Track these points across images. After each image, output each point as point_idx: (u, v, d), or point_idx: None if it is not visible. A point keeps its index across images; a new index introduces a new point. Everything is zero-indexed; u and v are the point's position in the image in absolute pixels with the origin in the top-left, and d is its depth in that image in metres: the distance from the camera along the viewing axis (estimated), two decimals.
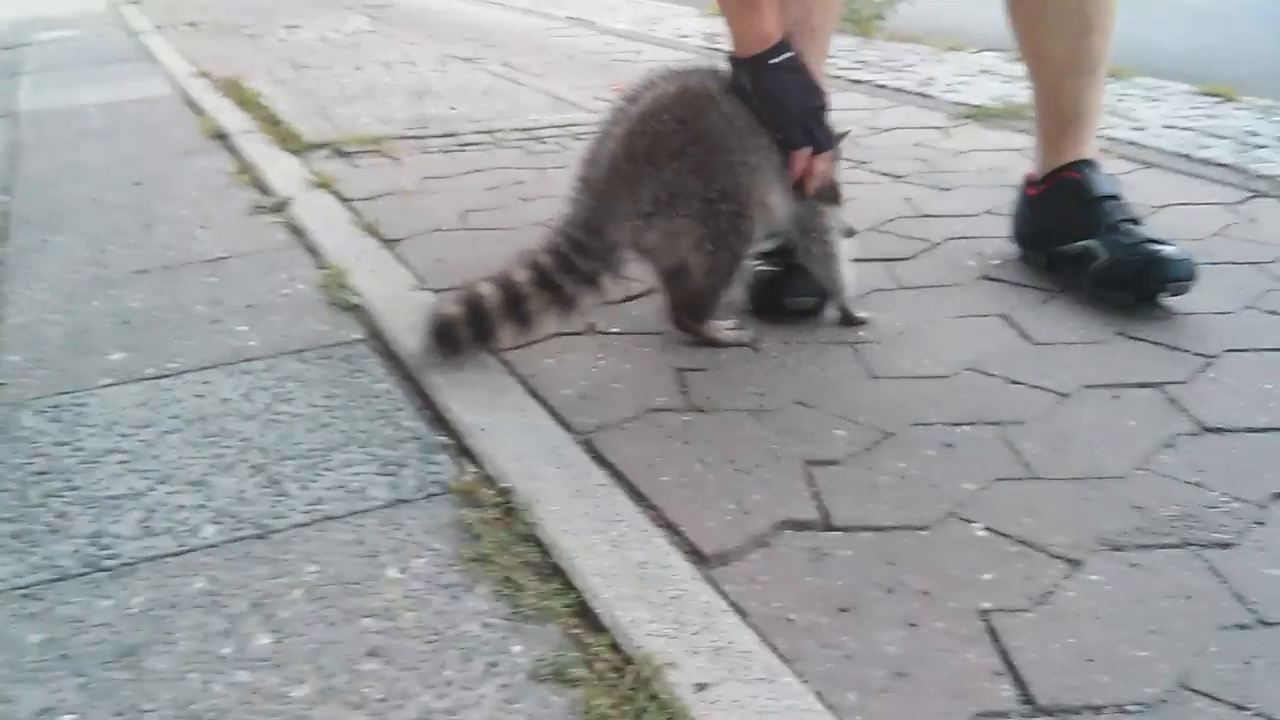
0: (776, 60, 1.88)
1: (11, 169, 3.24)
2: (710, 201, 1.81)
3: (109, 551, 1.38)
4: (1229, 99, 3.94)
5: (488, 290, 1.75)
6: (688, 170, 1.80)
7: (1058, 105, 2.22)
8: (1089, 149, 2.20)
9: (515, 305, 1.75)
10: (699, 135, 1.82)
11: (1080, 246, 2.09)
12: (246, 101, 3.95)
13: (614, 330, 1.97)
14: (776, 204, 1.91)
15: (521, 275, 1.76)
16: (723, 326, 1.92)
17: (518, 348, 1.87)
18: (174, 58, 5.11)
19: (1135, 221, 2.09)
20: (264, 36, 5.74)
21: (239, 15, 6.64)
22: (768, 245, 2.03)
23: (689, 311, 1.90)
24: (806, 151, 1.90)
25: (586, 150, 1.90)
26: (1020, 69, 2.31)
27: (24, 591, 1.31)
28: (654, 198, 1.80)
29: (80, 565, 1.35)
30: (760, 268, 2.04)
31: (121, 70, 4.91)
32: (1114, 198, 2.12)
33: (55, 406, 1.76)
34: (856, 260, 2.03)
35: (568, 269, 1.78)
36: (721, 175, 1.82)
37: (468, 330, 1.75)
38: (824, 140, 1.92)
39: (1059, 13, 2.14)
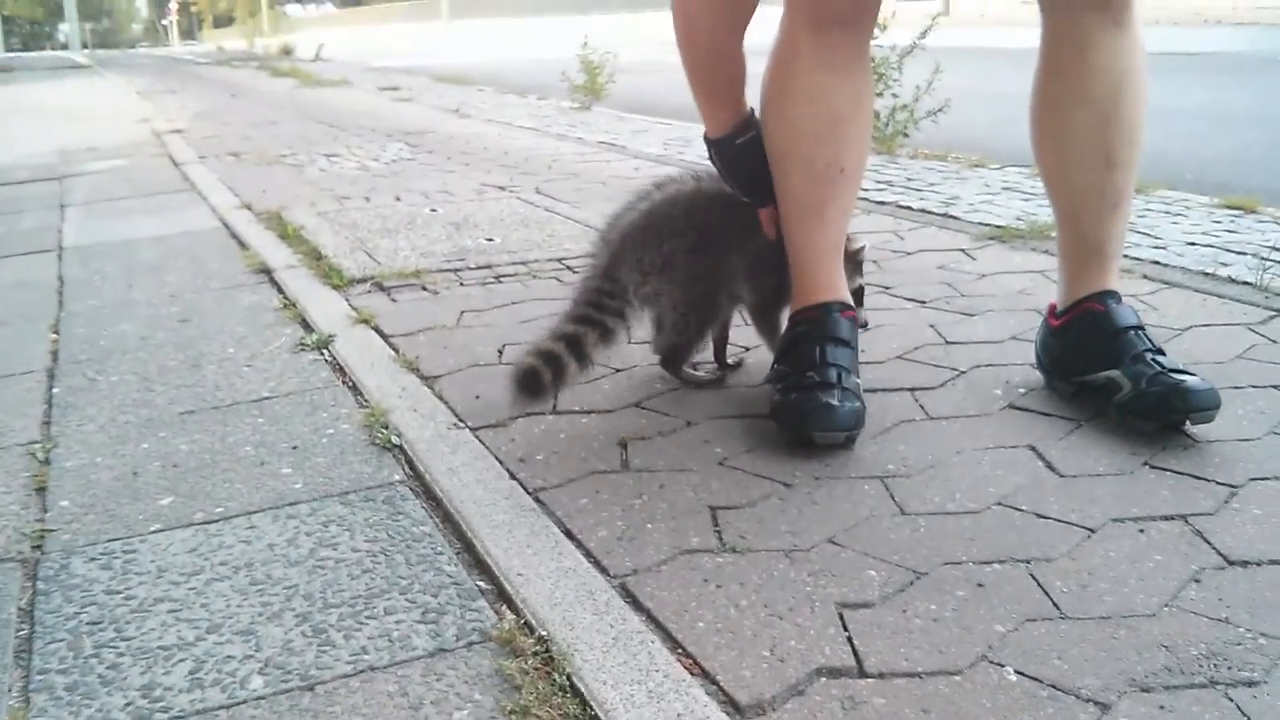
0: (741, 140, 2.34)
1: (59, 305, 3.34)
2: (692, 279, 2.31)
3: (160, 704, 1.41)
4: (1250, 211, 3.99)
5: (550, 344, 2.21)
6: (681, 250, 2.30)
7: (1080, 236, 2.26)
8: (1111, 280, 2.23)
9: (576, 347, 2.22)
10: (697, 226, 2.33)
11: (1104, 377, 2.13)
12: (289, 235, 4.06)
13: (648, 469, 2.01)
14: (743, 297, 2.42)
15: (570, 327, 2.25)
16: (693, 373, 2.46)
17: (553, 487, 1.93)
18: (218, 189, 5.27)
19: (1158, 352, 2.12)
20: (305, 167, 5.90)
21: (280, 145, 6.84)
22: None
23: (666, 357, 2.44)
24: (769, 209, 2.34)
25: (611, 216, 2.42)
26: (1043, 186, 2.37)
27: None
28: (653, 262, 2.30)
29: (133, 719, 1.39)
30: (791, 396, 2.10)
31: (167, 202, 5.06)
32: (1137, 329, 2.16)
33: (106, 553, 1.80)
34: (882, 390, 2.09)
35: (601, 308, 2.28)
36: (705, 261, 2.32)
37: (548, 373, 2.17)
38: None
39: (1083, 147, 2.19)
